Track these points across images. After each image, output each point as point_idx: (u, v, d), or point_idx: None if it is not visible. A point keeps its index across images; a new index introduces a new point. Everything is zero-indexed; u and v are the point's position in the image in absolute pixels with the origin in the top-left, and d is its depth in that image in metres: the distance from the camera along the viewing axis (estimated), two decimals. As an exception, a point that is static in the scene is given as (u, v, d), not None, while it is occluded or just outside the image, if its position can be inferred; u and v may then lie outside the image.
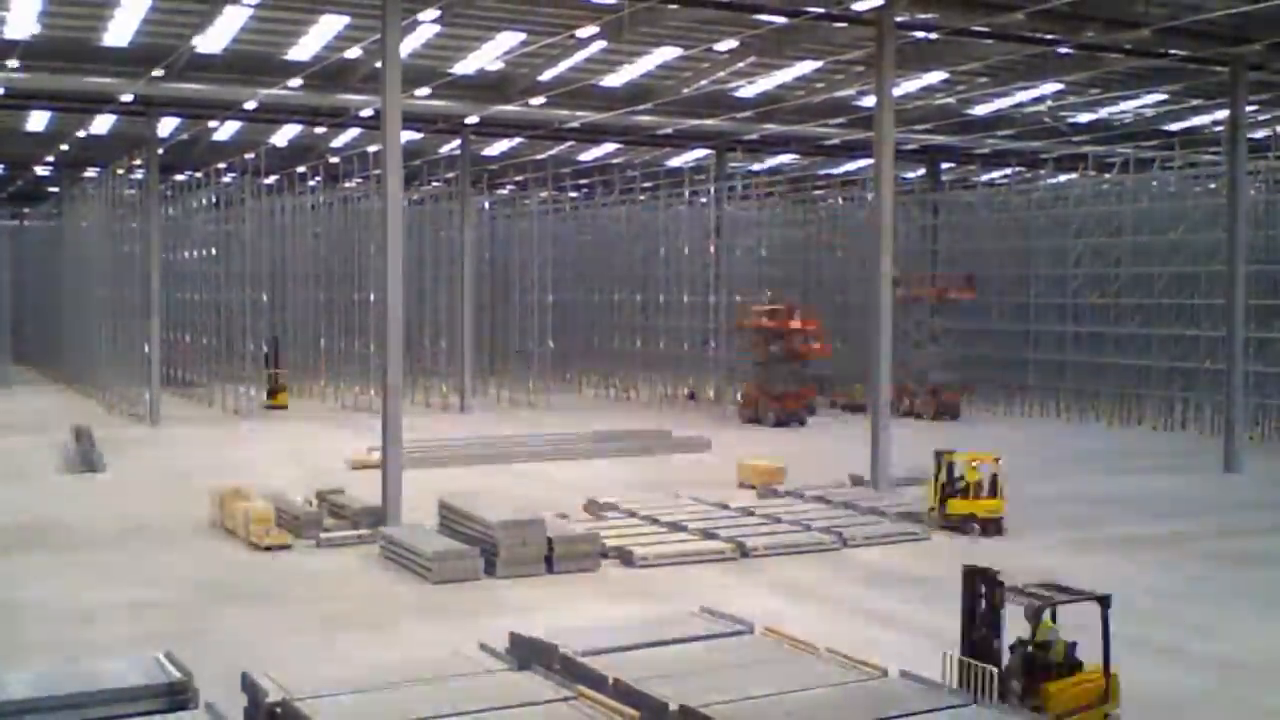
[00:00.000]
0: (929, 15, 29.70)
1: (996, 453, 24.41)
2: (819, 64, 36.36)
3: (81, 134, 47.46)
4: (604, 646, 13.05)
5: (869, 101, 37.92)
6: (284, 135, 49.13)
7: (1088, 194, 47.19)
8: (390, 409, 23.74)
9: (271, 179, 50.45)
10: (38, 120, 46.10)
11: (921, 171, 53.97)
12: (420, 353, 49.66)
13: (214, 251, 51.53)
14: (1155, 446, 37.52)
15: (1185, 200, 43.46)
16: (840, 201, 56.61)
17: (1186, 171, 45.33)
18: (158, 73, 33.74)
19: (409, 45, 31.43)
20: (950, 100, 41.65)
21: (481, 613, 17.73)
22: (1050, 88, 39.96)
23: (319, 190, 53.80)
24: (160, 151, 43.41)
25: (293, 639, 16.63)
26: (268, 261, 50.21)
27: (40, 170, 58.73)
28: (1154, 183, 46.03)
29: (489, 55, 34.83)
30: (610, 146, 51.74)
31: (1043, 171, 53.42)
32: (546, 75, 36.82)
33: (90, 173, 54.19)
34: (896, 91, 32.41)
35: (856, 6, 27.99)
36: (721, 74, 37.30)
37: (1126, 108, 44.43)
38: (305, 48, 33.66)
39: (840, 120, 42.52)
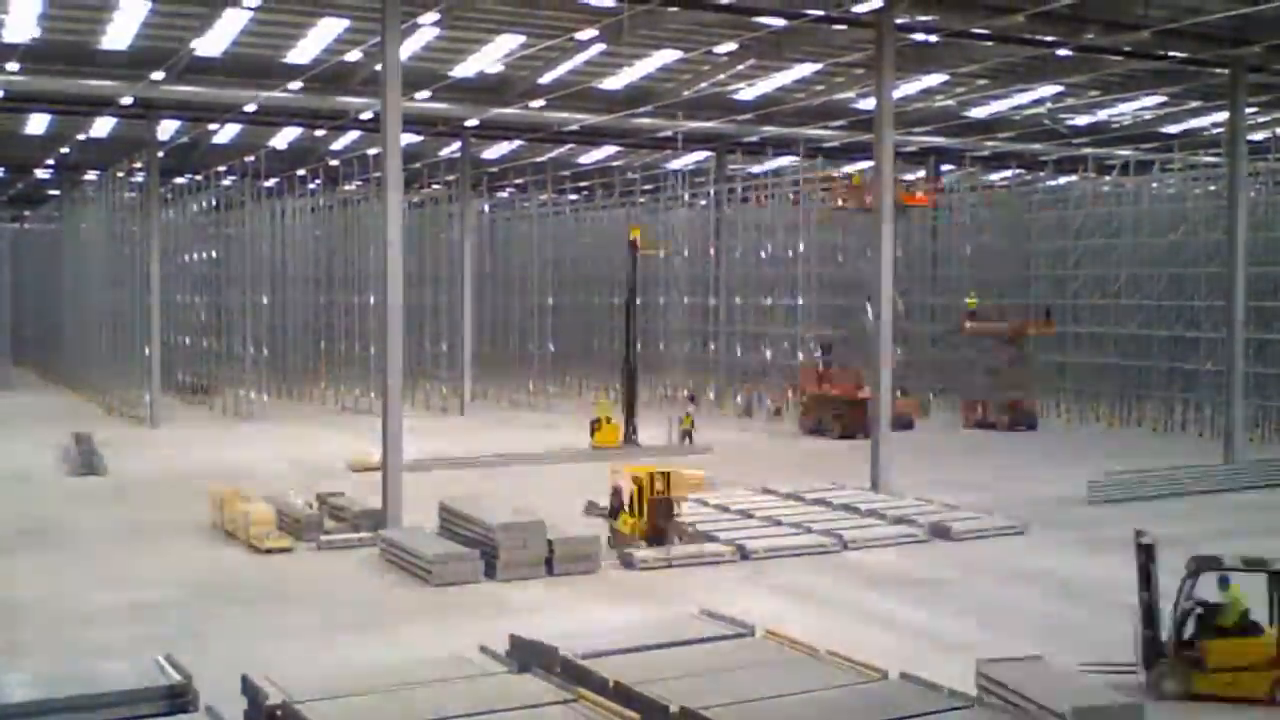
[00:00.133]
0: (928, 17, 29.68)
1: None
2: (818, 66, 36.39)
3: (81, 137, 47.52)
4: (604, 649, 13.07)
5: (869, 104, 37.95)
6: (284, 138, 49.14)
7: (1088, 196, 47.19)
8: (390, 412, 23.75)
9: (271, 182, 50.48)
10: (38, 123, 46.14)
11: (921, 173, 53.96)
12: (420, 355, 49.62)
13: (214, 254, 51.55)
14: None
15: (1185, 202, 43.42)
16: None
17: (1186, 173, 45.29)
18: (157, 75, 33.76)
19: (409, 48, 31.42)
20: (950, 102, 41.68)
21: (482, 615, 17.71)
22: (1050, 90, 40.01)
23: (319, 193, 53.83)
24: (160, 154, 43.47)
25: (293, 641, 16.62)
26: (268, 264, 50.22)
27: (40, 173, 58.77)
28: (1154, 185, 46.00)
29: (489, 58, 34.84)
30: (610, 149, 51.78)
31: (1043, 173, 53.42)
32: (546, 78, 36.84)
33: (90, 175, 54.18)
34: (896, 94, 32.38)
35: (856, 9, 28.01)
36: (721, 76, 37.32)
37: (1126, 110, 44.47)
38: (305, 50, 33.66)
39: (840, 122, 42.55)
